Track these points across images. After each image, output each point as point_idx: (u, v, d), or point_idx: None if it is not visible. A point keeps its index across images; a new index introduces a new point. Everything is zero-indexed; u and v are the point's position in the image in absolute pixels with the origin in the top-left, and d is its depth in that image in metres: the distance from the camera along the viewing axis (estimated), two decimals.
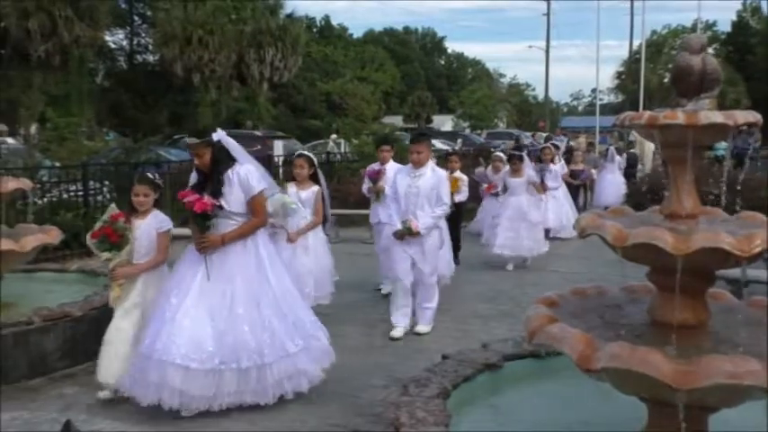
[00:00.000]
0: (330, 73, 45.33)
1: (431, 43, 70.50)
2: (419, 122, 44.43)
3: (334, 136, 23.53)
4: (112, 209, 4.41)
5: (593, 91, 48.72)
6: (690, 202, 3.09)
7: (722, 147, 13.06)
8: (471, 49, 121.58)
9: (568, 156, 14.12)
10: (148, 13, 38.31)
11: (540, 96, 61.82)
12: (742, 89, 39.46)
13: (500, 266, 8.70)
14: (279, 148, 16.89)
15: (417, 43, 68.11)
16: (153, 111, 35.83)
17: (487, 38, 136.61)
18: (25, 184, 5.74)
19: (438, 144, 26.92)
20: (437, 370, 3.91)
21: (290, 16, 36.98)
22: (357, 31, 74.92)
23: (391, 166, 6.88)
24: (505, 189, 8.87)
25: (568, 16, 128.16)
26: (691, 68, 3.04)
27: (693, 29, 28.12)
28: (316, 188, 6.05)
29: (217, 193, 4.19)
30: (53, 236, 5.42)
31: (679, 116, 2.92)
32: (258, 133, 22.68)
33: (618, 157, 14.86)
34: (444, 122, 51.32)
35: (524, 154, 9.09)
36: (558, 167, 11.25)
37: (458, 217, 8.61)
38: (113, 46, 39.18)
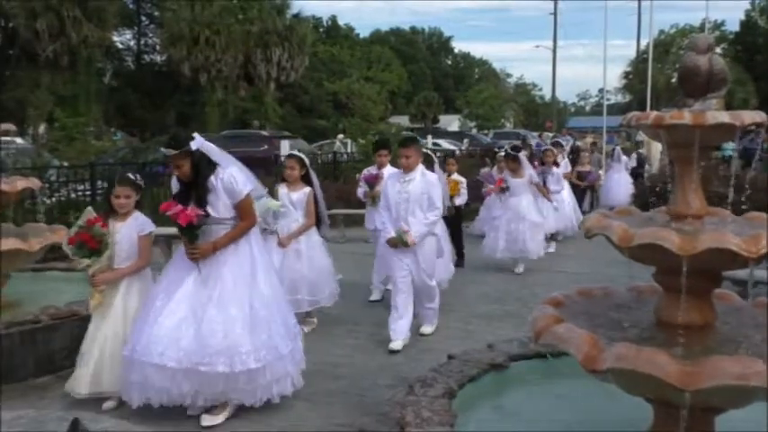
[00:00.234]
0: (337, 73, 45.40)
1: (437, 43, 70.52)
2: (426, 122, 44.45)
3: (340, 136, 23.56)
4: (89, 212, 4.24)
5: (601, 91, 48.58)
6: (696, 203, 3.08)
7: (730, 147, 13.05)
8: (478, 49, 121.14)
9: (574, 156, 14.06)
10: (156, 13, 38.54)
11: (547, 96, 61.84)
12: (750, 89, 39.34)
13: (505, 267, 8.68)
14: (285, 147, 16.89)
15: (424, 43, 68.13)
16: (160, 111, 36.03)
17: (494, 38, 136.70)
18: (34, 183, 5.77)
19: (444, 144, 26.96)
20: (443, 370, 3.91)
21: (296, 16, 37.12)
22: (364, 31, 75.25)
23: (389, 171, 6.60)
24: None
25: (575, 16, 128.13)
26: (698, 68, 3.03)
27: (702, 28, 28.00)
28: (307, 189, 5.86)
29: (202, 203, 4.05)
30: (61, 235, 5.43)
31: (686, 116, 2.91)
32: (265, 133, 22.74)
33: (624, 157, 14.81)
34: (451, 122, 51.33)
35: (519, 154, 8.85)
36: (561, 168, 11.10)
37: (458, 221, 8.53)
38: (121, 46, 39.48)
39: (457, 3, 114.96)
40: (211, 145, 4.20)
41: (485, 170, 10.59)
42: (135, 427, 3.30)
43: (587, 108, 73.54)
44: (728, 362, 2.51)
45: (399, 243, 5.48)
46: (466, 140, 29.00)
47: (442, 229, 6.27)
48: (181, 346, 3.88)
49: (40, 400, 4.37)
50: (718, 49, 3.42)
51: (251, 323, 4.00)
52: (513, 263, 8.66)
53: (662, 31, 47.21)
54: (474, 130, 43.78)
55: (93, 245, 4.15)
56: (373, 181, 6.92)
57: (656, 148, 15.00)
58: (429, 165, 6.31)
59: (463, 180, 8.52)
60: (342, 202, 11.71)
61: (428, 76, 61.37)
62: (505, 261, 8.71)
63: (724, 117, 2.90)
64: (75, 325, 4.96)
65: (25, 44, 29.33)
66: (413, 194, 5.50)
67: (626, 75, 50.31)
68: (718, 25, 45.58)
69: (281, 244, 5.69)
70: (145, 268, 4.40)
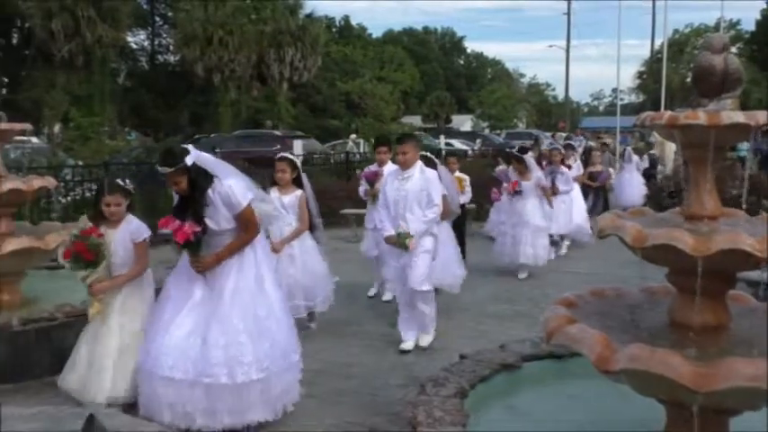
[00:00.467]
0: (349, 73, 45.44)
1: (450, 43, 70.41)
2: (438, 122, 44.36)
3: (353, 136, 23.63)
4: (83, 221, 4.19)
5: (614, 91, 48.36)
6: (711, 203, 3.06)
7: (745, 147, 12.91)
8: (491, 49, 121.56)
9: (587, 157, 13.95)
10: (169, 13, 38.76)
11: (561, 96, 61.58)
12: (766, 89, 38.89)
13: (515, 270, 8.59)
14: (298, 147, 16.95)
15: (437, 43, 68.06)
16: (174, 111, 36.25)
17: (507, 37, 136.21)
18: (50, 182, 5.84)
19: (457, 144, 26.93)
20: (455, 370, 3.92)
21: (309, 16, 37.21)
22: (376, 31, 75.16)
23: (389, 169, 6.45)
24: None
25: (589, 15, 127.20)
26: (712, 68, 3.02)
27: (716, 28, 27.83)
28: (299, 192, 5.72)
29: (199, 218, 3.97)
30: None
31: (700, 116, 2.90)
32: (278, 133, 22.83)
33: (636, 158, 14.68)
34: (464, 122, 51.22)
35: (526, 156, 8.67)
36: (574, 171, 10.95)
37: (463, 219, 8.41)
38: (135, 46, 39.77)
39: (470, 3, 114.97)
40: (208, 156, 4.10)
41: (500, 167, 10.46)
42: (149, 425, 3.33)
43: (601, 108, 73.08)
44: (742, 363, 2.49)
45: (398, 244, 5.39)
46: (478, 140, 28.98)
47: (447, 233, 6.18)
48: (189, 356, 3.83)
49: (56, 397, 4.40)
50: (733, 49, 3.41)
51: (255, 334, 3.93)
52: (517, 267, 8.51)
53: (676, 31, 47.00)
54: (487, 131, 43.68)
55: (89, 257, 4.09)
56: (373, 178, 6.78)
57: (670, 149, 14.89)
58: (431, 167, 6.19)
59: (466, 177, 8.42)
60: (353, 202, 11.72)
61: (441, 76, 61.29)
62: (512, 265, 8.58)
63: (739, 117, 2.89)
64: None
65: (41, 44, 29.61)
66: (411, 191, 5.42)
67: (640, 74, 50.04)
68: (733, 24, 45.22)
69: (275, 249, 5.44)
70: (142, 274, 4.32)
